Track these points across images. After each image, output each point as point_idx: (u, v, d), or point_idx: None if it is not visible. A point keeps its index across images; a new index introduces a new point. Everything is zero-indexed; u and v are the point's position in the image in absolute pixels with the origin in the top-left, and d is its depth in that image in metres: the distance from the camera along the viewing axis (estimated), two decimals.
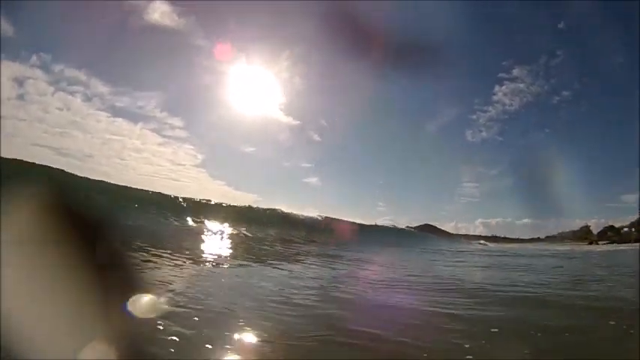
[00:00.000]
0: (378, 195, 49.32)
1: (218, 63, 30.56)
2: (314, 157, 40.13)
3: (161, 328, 2.99)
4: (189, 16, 31.23)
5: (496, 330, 4.07)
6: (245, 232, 16.14)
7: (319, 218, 23.84)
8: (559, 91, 39.12)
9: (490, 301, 5.72)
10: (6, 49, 26.05)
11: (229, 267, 8.16)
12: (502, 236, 44.16)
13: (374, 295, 6.25)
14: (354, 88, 31.31)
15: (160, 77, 37.52)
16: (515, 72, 35.13)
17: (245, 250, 11.81)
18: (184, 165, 33.95)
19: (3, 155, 14.97)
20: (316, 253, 12.64)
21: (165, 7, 31.18)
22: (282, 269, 8.39)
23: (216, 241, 13.82)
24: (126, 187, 19.00)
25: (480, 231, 43.26)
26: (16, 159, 15.92)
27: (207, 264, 8.12)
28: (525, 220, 41.63)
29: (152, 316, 3.04)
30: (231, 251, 11.46)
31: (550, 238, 41.80)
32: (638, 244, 25.99)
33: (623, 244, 29.91)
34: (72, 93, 28.29)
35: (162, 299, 4.03)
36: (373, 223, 30.58)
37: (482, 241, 38.47)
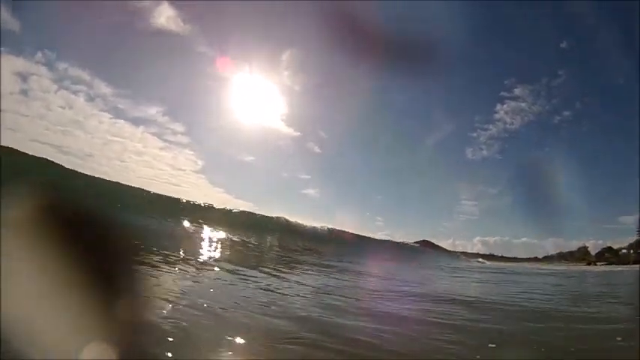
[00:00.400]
0: (376, 209, 49.19)
1: (221, 71, 30.98)
2: (313, 169, 40.23)
3: (161, 328, 2.97)
4: (194, 22, 31.83)
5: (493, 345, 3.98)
6: (252, 240, 16.04)
7: (325, 229, 23.60)
8: (560, 111, 39.67)
9: (490, 314, 5.67)
10: (11, 43, 26.27)
11: (229, 272, 8.08)
12: (499, 255, 43.91)
13: (373, 305, 6.17)
14: (356, 102, 31.65)
15: (163, 82, 37.81)
16: (517, 91, 35.69)
17: (248, 256, 11.77)
18: (184, 170, 33.87)
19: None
20: (318, 263, 12.57)
21: (170, 12, 31.67)
22: (287, 278, 8.31)
23: (220, 246, 13.70)
24: (131, 186, 18.84)
25: (477, 249, 43.04)
26: (17, 150, 15.76)
27: (209, 269, 8.06)
28: (523, 239, 41.57)
29: (152, 316, 3.08)
30: (233, 257, 11.37)
31: (548, 258, 41.54)
32: (636, 265, 25.88)
33: (621, 266, 29.76)
34: (75, 92, 28.43)
35: (163, 300, 4.06)
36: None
37: (480, 259, 38.18)
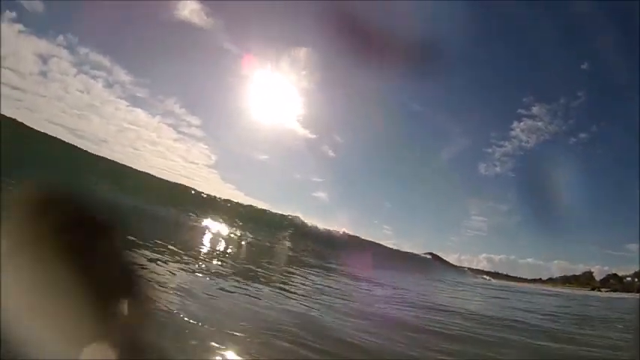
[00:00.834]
0: (385, 218, 49.57)
1: (242, 68, 31.18)
2: (326, 172, 40.65)
3: (161, 328, 3.01)
4: (217, 17, 31.91)
5: None
6: (268, 237, 16.50)
7: (342, 233, 24.14)
8: (576, 133, 39.57)
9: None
10: (34, 24, 26.23)
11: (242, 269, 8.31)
12: (504, 273, 44.12)
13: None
14: (373, 110, 32.32)
15: (182, 74, 37.39)
16: (535, 110, 35.85)
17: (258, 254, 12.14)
18: (197, 164, 34.07)
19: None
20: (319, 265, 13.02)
21: (195, 5, 31.83)
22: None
23: (232, 243, 14.06)
24: (144, 172, 18.73)
25: (482, 265, 43.19)
26: (32, 127, 15.73)
27: (217, 265, 8.19)
28: (529, 260, 41.75)
29: (152, 316, 2.98)
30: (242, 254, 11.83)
31: (552, 281, 41.75)
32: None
33: (626, 293, 30.06)
34: (94, 77, 28.36)
35: (164, 300, 4.06)
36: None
37: (486, 277, 38.55)
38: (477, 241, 44.84)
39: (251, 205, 21.81)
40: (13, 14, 25.01)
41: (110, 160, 18.31)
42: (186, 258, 7.35)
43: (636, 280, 34.60)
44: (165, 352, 2.63)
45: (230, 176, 39.83)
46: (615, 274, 37.23)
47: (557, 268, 43.26)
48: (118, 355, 1.47)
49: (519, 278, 43.19)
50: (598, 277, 38.81)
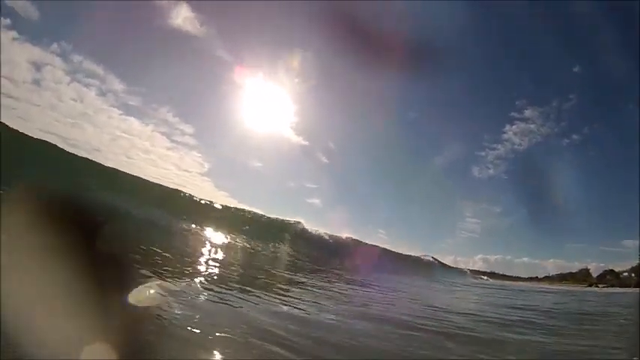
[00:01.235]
0: (379, 222, 49.43)
1: (235, 75, 31.21)
2: (319, 179, 40.45)
3: (161, 328, 2.95)
4: (210, 25, 32.02)
5: None
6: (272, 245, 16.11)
7: (343, 238, 23.76)
8: (569, 134, 40.47)
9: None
10: (28, 32, 26.13)
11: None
12: (500, 273, 44.27)
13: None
14: (366, 116, 32.24)
15: (176, 82, 37.71)
16: (528, 112, 36.34)
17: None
18: (190, 172, 33.82)
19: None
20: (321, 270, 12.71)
21: (188, 13, 31.94)
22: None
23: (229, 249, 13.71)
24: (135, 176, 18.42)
25: (479, 266, 43.30)
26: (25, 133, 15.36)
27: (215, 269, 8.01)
28: (524, 259, 42.03)
29: (152, 315, 3.00)
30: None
31: (548, 279, 41.99)
32: (638, 289, 26.39)
33: (623, 288, 30.26)
34: (87, 85, 28.33)
35: (165, 299, 3.96)
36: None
37: (484, 277, 38.50)
38: (471, 243, 45.13)
39: (251, 211, 21.30)
40: (8, 21, 24.25)
41: (104, 165, 17.83)
42: (186, 266, 7.04)
43: (633, 275, 34.93)
44: (163, 352, 2.55)
45: (224, 184, 39.60)
46: (612, 270, 37.57)
47: (554, 266, 43.55)
48: (118, 355, 1.48)
49: (516, 277, 43.50)
50: (594, 273, 39.15)
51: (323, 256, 16.98)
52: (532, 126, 35.87)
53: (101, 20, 26.14)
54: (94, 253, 1.69)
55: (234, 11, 32.36)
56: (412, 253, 34.25)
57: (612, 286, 33.55)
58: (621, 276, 36.34)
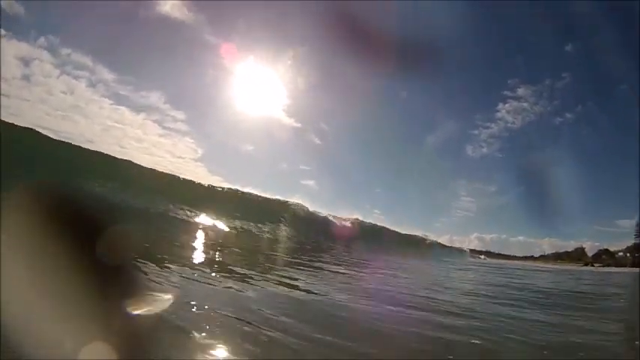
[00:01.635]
0: (374, 202, 49.62)
1: (224, 60, 30.50)
2: (312, 160, 40.07)
3: (161, 327, 2.85)
4: (198, 11, 31.67)
5: None
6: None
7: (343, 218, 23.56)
8: (562, 113, 40.05)
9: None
10: (15, 28, 26.48)
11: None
12: (496, 252, 44.94)
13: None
14: (358, 95, 31.51)
15: (166, 69, 37.53)
16: (520, 91, 35.79)
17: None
18: (184, 158, 33.52)
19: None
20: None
21: (176, 0, 31.29)
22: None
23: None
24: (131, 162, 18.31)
25: (474, 245, 43.73)
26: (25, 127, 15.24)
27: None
28: (520, 238, 42.44)
29: (152, 315, 2.82)
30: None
31: (544, 257, 42.67)
32: (634, 269, 26.85)
33: (618, 268, 30.85)
34: (77, 77, 28.18)
35: (166, 298, 3.79)
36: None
37: (482, 256, 38.99)
38: (466, 222, 45.33)
39: (250, 193, 20.93)
40: None
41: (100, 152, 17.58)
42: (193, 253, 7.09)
43: (628, 255, 35.55)
44: (163, 351, 2.53)
45: (217, 169, 39.52)
46: (607, 250, 38.17)
47: (549, 245, 44.10)
48: (118, 355, 1.49)
49: (511, 256, 44.24)
50: (590, 252, 39.81)
51: (329, 238, 16.83)
52: (525, 104, 35.38)
53: (88, 11, 25.77)
54: (94, 251, 1.59)
55: None
56: (410, 233, 34.64)
57: (608, 265, 34.19)
58: (616, 255, 37.00)
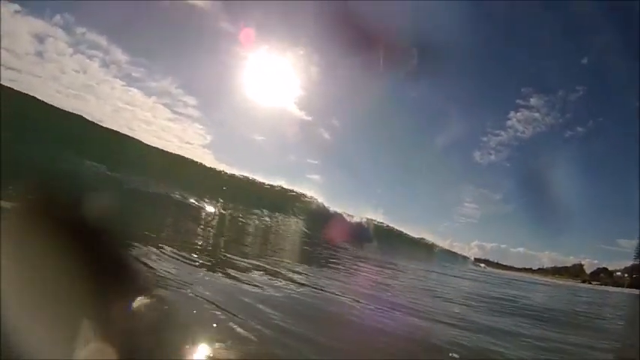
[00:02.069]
0: (378, 201, 49.96)
1: (240, 48, 30.53)
2: (320, 155, 40.41)
3: (161, 327, 2.97)
4: None
5: None
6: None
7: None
8: (573, 126, 40.03)
9: None
10: (30, 4, 26.35)
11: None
12: (495, 261, 45.28)
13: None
14: (370, 93, 31.63)
15: (180, 54, 37.03)
16: (533, 101, 35.72)
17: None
18: (192, 144, 33.84)
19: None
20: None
21: None
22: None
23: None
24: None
25: (474, 253, 43.97)
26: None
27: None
28: (520, 249, 42.72)
29: (153, 315, 2.98)
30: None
31: (542, 271, 43.06)
32: (632, 289, 27.17)
33: (616, 288, 31.18)
34: (90, 57, 28.16)
35: (166, 298, 3.74)
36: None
37: (482, 265, 39.38)
38: (469, 228, 45.31)
39: (263, 182, 20.90)
40: None
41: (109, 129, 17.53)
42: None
43: (626, 275, 35.89)
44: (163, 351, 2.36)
45: (224, 156, 39.94)
46: (605, 268, 38.54)
47: (548, 258, 44.44)
48: (118, 355, 1.47)
49: (510, 267, 44.57)
50: (588, 270, 40.16)
51: (345, 236, 16.93)
52: (536, 114, 35.37)
53: None
54: (94, 244, 1.65)
55: None
56: (415, 235, 34.95)
57: (605, 284, 34.53)
58: (614, 275, 37.34)
